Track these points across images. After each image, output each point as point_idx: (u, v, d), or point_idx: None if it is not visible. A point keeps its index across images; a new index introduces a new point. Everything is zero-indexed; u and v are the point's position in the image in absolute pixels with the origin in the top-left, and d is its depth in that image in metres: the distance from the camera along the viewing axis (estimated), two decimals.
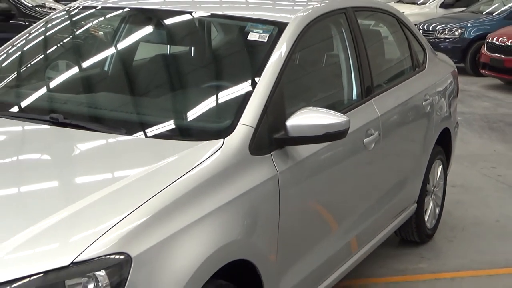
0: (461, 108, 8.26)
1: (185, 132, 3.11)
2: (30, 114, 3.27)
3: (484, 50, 11.92)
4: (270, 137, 3.04)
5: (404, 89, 4.52)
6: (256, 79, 3.18)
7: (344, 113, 3.26)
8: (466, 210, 5.81)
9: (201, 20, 3.90)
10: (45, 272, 2.22)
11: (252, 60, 3.50)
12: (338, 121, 3.10)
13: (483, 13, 14.02)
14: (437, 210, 5.23)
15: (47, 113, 3.21)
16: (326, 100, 3.75)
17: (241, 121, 2.99)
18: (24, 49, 3.93)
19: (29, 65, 3.91)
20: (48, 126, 3.13)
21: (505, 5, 13.93)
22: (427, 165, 4.84)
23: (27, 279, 2.20)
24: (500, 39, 11.57)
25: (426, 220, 5.03)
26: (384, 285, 4.47)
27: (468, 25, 13.27)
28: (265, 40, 3.41)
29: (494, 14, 13.71)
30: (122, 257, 2.31)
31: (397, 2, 16.62)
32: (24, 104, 3.44)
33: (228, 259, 2.70)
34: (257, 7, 4.07)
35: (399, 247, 5.03)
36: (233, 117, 3.02)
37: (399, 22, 4.88)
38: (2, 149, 3.06)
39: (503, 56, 11.35)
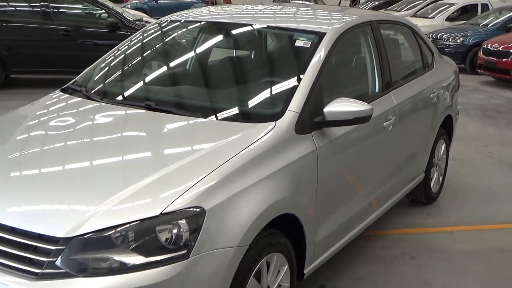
0: (461, 99, 8.02)
1: (246, 116, 3.10)
2: (130, 101, 3.31)
3: (480, 54, 11.68)
4: (311, 120, 3.03)
5: (416, 84, 4.43)
6: (301, 76, 3.16)
7: (368, 103, 3.22)
8: (463, 178, 5.70)
9: (259, 31, 3.88)
10: (141, 220, 2.27)
11: (298, 61, 3.46)
12: (364, 108, 3.07)
13: (480, 25, 13.68)
14: (441, 178, 5.14)
15: (143, 101, 3.25)
16: (355, 92, 3.70)
17: (289, 108, 2.98)
18: (127, 52, 3.98)
19: (130, 65, 3.95)
20: (144, 111, 3.17)
21: (498, 19, 13.61)
22: (433, 143, 4.75)
23: (128, 225, 2.26)
24: (493, 46, 11.34)
25: (431, 186, 4.95)
26: (398, 236, 4.42)
27: (468, 34, 12.97)
28: (308, 46, 3.38)
29: (489, 26, 13.38)
30: (198, 210, 2.34)
31: (412, 16, 16.29)
32: (126, 94, 3.48)
33: (278, 213, 2.70)
34: (302, 20, 4.02)
35: (410, 207, 4.95)
36: (283, 105, 3.01)
37: (413, 32, 4.78)
38: (111, 128, 3.11)
39: (495, 59, 11.11)
